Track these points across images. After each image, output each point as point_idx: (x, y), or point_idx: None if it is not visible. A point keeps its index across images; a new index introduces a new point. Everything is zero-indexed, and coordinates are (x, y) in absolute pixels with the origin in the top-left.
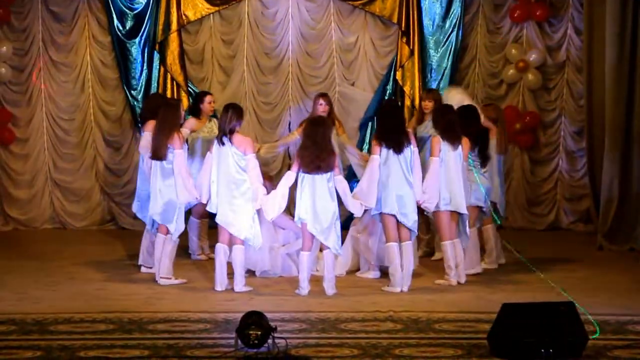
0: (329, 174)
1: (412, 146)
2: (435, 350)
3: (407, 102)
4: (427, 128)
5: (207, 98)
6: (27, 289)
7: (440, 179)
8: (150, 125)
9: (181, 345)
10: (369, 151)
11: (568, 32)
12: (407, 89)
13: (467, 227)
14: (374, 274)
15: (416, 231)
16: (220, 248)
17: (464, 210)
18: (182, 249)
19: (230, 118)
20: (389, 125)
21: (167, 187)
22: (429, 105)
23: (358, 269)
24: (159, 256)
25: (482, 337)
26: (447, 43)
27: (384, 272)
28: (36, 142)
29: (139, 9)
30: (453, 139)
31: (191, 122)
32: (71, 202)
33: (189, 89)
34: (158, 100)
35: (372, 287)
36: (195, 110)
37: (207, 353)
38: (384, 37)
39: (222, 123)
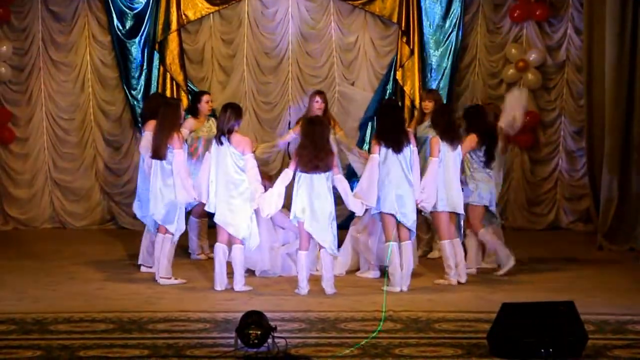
0: (327, 173)
1: (411, 145)
2: (435, 350)
3: (407, 102)
4: (427, 128)
5: (204, 97)
6: (27, 289)
7: (439, 179)
8: (151, 125)
9: (181, 344)
10: (369, 150)
11: (568, 31)
12: (407, 88)
13: (462, 227)
14: (373, 273)
15: (415, 231)
16: (219, 248)
17: (461, 211)
18: (182, 249)
19: (229, 118)
20: (388, 124)
21: (168, 187)
22: (429, 105)
23: (358, 269)
24: (158, 256)
25: (481, 337)
26: (447, 43)
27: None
28: (36, 142)
29: (138, 9)
30: (452, 139)
31: (189, 122)
32: (71, 201)
33: (189, 88)
34: (158, 100)
35: (372, 287)
36: (192, 110)
37: (207, 353)
38: (384, 36)
39: (220, 123)
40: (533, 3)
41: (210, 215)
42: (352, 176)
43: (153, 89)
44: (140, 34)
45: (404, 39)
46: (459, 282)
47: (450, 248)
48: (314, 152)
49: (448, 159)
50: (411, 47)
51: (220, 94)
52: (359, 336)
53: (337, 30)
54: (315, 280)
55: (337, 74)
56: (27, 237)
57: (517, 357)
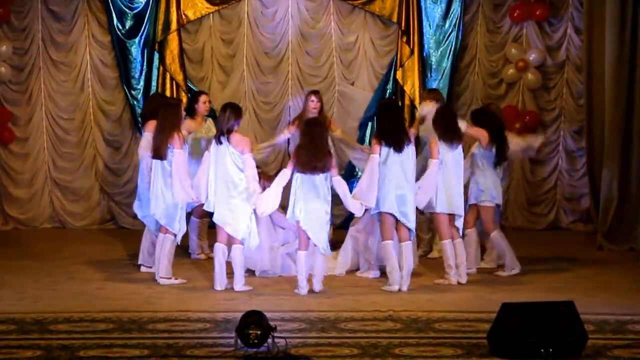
0: (325, 174)
1: (412, 145)
2: (435, 350)
3: (407, 102)
4: (428, 129)
5: (202, 98)
6: (27, 289)
7: (438, 180)
8: (151, 125)
9: (181, 344)
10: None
11: (568, 31)
12: (407, 88)
13: (461, 227)
14: (373, 273)
15: (415, 230)
16: (219, 248)
17: (461, 212)
18: (182, 249)
19: (228, 117)
20: (388, 124)
21: (169, 187)
22: (429, 105)
23: (358, 269)
24: (158, 255)
25: (481, 337)
26: (447, 43)
27: (384, 272)
28: (36, 142)
29: (138, 9)
30: (452, 140)
31: (186, 123)
32: (71, 201)
33: (189, 88)
34: (159, 100)
35: (372, 286)
36: (190, 111)
37: (207, 352)
38: (384, 36)
39: (220, 122)
40: (533, 3)
41: (211, 215)
42: (350, 176)
43: (153, 89)
44: (140, 34)
45: (404, 39)
46: (459, 283)
47: (450, 248)
48: (312, 153)
49: (448, 159)
50: (411, 47)
51: (220, 94)
52: (358, 336)
53: (337, 30)
54: None
55: (337, 74)
56: (27, 237)
57: (517, 357)
